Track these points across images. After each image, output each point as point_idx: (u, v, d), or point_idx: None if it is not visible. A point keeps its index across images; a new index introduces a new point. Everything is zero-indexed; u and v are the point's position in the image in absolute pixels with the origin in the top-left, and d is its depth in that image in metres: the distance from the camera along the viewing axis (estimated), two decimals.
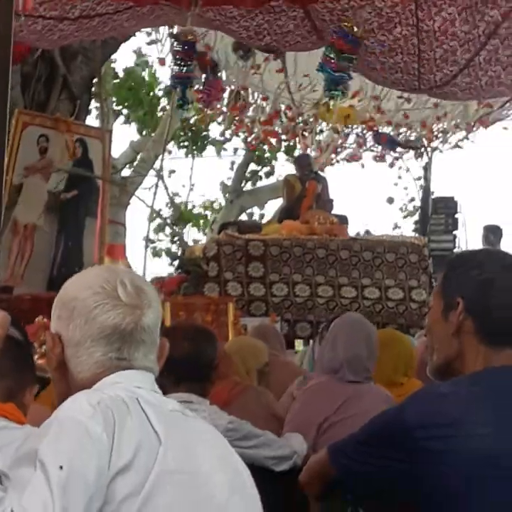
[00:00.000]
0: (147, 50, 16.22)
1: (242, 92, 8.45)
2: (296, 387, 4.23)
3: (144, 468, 1.56)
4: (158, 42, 7.25)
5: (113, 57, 12.57)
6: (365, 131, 9.69)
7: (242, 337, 5.87)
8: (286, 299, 8.45)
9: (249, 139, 10.12)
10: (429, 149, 9.72)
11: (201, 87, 6.81)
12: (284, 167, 16.71)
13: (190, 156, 17.46)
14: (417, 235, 11.43)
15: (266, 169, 17.48)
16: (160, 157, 13.11)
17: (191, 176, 17.84)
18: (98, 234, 8.16)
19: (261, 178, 17.54)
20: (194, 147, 17.15)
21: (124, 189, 13.34)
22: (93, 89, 10.18)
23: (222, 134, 14.21)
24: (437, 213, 11.99)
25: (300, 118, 9.49)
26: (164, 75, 17.43)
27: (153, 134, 14.89)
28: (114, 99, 15.96)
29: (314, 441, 3.60)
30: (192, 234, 18.70)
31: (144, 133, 16.25)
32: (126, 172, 15.06)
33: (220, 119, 9.42)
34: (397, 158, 10.15)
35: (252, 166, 17.45)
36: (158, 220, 17.67)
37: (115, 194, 11.84)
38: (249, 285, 8.45)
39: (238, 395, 3.86)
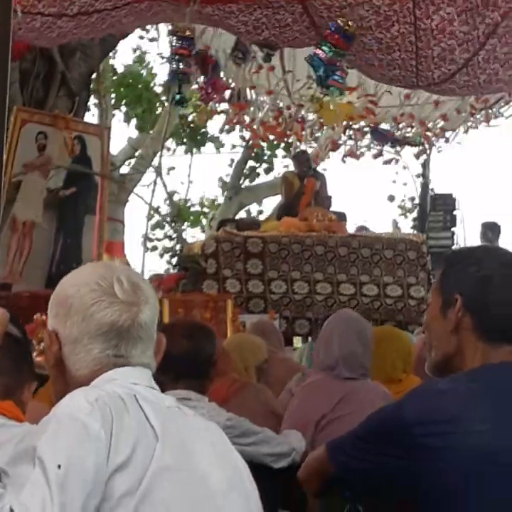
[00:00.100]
0: (147, 47, 16.25)
1: (248, 91, 8.45)
2: (295, 383, 4.23)
3: (141, 464, 1.56)
4: (157, 40, 7.24)
5: (111, 54, 12.56)
6: (365, 129, 9.67)
7: (241, 334, 5.86)
8: (284, 296, 8.46)
9: (249, 139, 10.10)
10: (426, 146, 9.70)
11: (202, 84, 6.80)
12: (282, 164, 16.74)
13: (189, 153, 17.47)
14: (415, 231, 11.44)
15: (265, 166, 17.49)
16: (158, 154, 13.11)
17: (189, 173, 17.87)
18: (97, 231, 8.15)
19: (259, 174, 17.55)
20: (193, 144, 17.15)
21: (123, 186, 13.34)
22: (91, 86, 10.18)
23: (222, 129, 14.21)
24: (436, 210, 12.00)
25: (299, 114, 9.47)
26: (162, 72, 17.46)
27: (151, 131, 14.88)
28: (112, 96, 15.95)
29: (312, 438, 3.60)
30: (190, 231, 18.74)
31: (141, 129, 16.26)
32: (124, 169, 15.07)
33: (219, 116, 9.40)
34: (396, 161, 10.14)
35: (251, 163, 17.46)
36: (156, 217, 17.68)
37: (114, 191, 11.84)
38: (248, 282, 8.46)
39: (237, 392, 3.86)
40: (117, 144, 16.15)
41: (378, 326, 7.19)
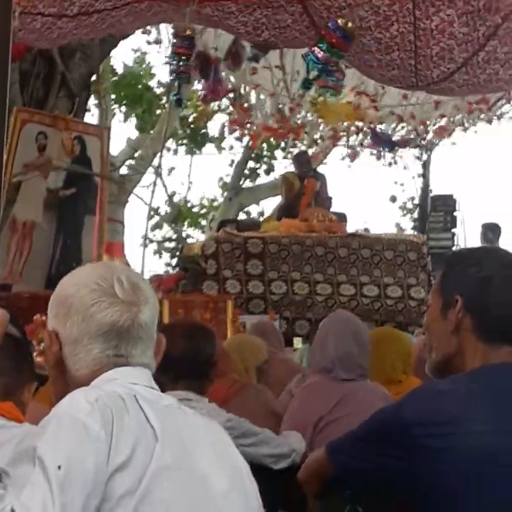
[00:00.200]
0: (147, 48, 16.25)
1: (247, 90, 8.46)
2: (295, 384, 4.22)
3: (141, 464, 1.56)
4: (160, 42, 7.23)
5: (111, 54, 12.55)
6: (365, 129, 9.67)
7: (241, 335, 5.86)
8: (284, 297, 8.46)
9: (248, 139, 10.11)
10: (425, 143, 9.71)
11: (203, 84, 6.79)
12: (282, 164, 16.75)
13: (189, 154, 17.48)
14: (415, 232, 11.44)
15: (265, 167, 17.50)
16: (158, 155, 13.12)
17: (189, 173, 17.88)
18: (97, 232, 8.15)
19: (259, 175, 17.56)
20: (193, 145, 17.15)
21: (123, 187, 13.34)
22: (91, 86, 10.17)
23: (222, 129, 14.21)
24: (436, 211, 12.01)
25: (299, 114, 9.48)
26: (163, 72, 17.47)
27: (151, 132, 14.89)
28: (112, 96, 15.95)
29: (310, 440, 3.59)
30: (190, 232, 18.74)
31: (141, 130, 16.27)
32: (124, 170, 15.07)
33: (219, 115, 9.41)
34: (395, 162, 10.16)
35: (251, 164, 17.47)
36: (156, 218, 17.68)
37: (114, 192, 11.84)
38: (248, 283, 8.46)
39: (237, 393, 3.86)
40: (117, 144, 16.16)
41: (378, 326, 7.20)
